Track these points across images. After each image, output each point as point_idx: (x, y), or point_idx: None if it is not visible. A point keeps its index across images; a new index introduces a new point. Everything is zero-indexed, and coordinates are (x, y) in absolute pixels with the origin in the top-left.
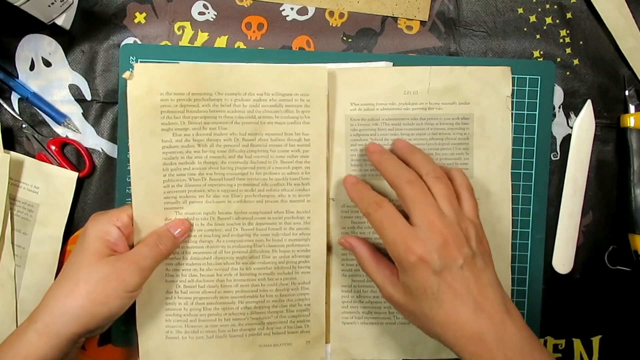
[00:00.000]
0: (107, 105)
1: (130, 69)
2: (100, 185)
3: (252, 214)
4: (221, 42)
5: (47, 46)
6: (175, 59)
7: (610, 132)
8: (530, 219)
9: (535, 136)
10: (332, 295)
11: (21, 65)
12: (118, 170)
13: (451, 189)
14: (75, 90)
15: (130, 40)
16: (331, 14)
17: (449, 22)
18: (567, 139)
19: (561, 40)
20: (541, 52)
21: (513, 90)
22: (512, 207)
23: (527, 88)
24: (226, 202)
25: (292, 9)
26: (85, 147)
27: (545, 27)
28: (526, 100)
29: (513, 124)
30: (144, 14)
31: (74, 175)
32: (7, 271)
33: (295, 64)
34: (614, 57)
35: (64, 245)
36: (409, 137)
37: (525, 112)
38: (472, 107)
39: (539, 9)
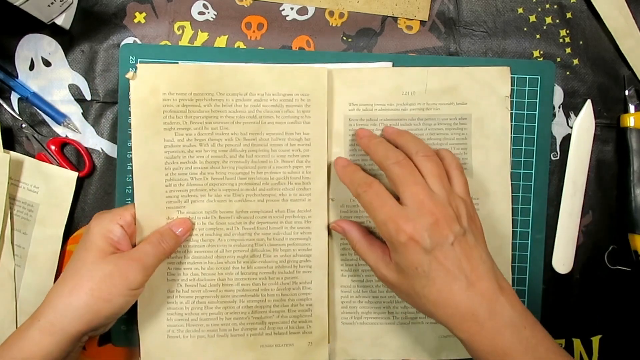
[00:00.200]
0: (107, 105)
1: (133, 70)
2: (100, 185)
3: (253, 213)
4: (221, 42)
5: (47, 46)
6: (175, 58)
7: (610, 132)
8: (530, 219)
9: (535, 136)
10: (331, 296)
11: (21, 65)
12: (118, 170)
13: (441, 167)
14: (75, 90)
15: (130, 40)
16: (331, 13)
17: (449, 22)
18: (567, 138)
19: (561, 40)
20: (541, 52)
21: (513, 90)
22: (512, 207)
23: (527, 88)
24: (227, 201)
25: (292, 8)
26: (85, 147)
27: (545, 27)
28: (526, 100)
29: (513, 124)
30: (144, 14)
31: (74, 175)
32: (7, 271)
33: (295, 65)
34: (614, 57)
35: (64, 245)
36: None
37: (525, 112)
38: (470, 107)
39: (539, 9)
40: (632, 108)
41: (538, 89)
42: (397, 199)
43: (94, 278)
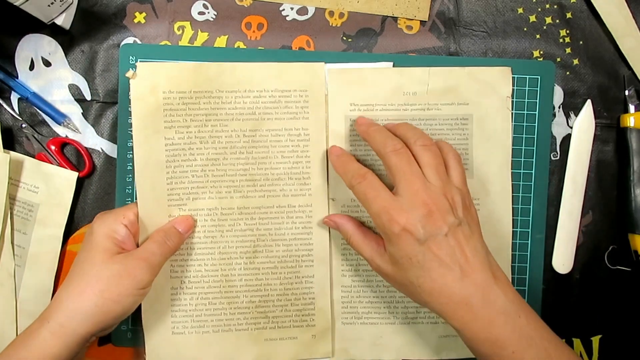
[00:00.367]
0: (107, 105)
1: (133, 68)
2: (100, 185)
3: (255, 209)
4: (221, 42)
5: (47, 46)
6: (175, 58)
7: (610, 132)
8: (530, 218)
9: (535, 136)
10: (332, 296)
11: (21, 65)
12: (118, 170)
13: (439, 157)
14: (75, 90)
15: (130, 40)
16: (331, 13)
17: (449, 22)
18: (567, 138)
19: (561, 40)
20: (541, 52)
21: (513, 90)
22: (512, 207)
23: (527, 88)
24: (228, 197)
25: (292, 8)
26: (85, 147)
27: (545, 27)
28: (526, 100)
29: (513, 124)
30: (144, 14)
31: (74, 175)
32: (7, 271)
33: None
34: (614, 57)
35: (64, 245)
36: None
37: (525, 112)
38: (471, 107)
39: (539, 9)
40: (632, 108)
41: (538, 89)
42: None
43: (102, 279)
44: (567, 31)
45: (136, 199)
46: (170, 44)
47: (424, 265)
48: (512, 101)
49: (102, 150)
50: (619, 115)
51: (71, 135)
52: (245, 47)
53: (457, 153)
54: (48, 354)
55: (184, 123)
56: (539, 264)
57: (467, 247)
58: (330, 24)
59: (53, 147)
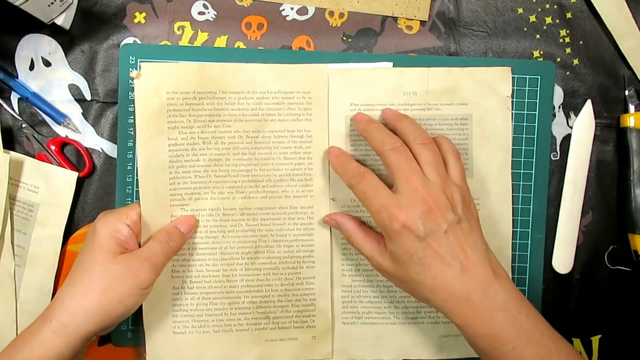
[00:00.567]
0: (107, 105)
1: (134, 68)
2: (100, 185)
3: (257, 210)
4: (221, 42)
5: (47, 46)
6: (175, 58)
7: (610, 132)
8: (530, 219)
9: (535, 136)
10: (332, 295)
11: (21, 65)
12: (118, 170)
13: (438, 155)
14: (75, 90)
15: (130, 40)
16: (331, 13)
17: (449, 22)
18: (567, 139)
19: (561, 40)
20: (541, 52)
21: (513, 90)
22: (512, 207)
23: (527, 88)
24: (231, 198)
25: (292, 8)
26: (85, 147)
27: (545, 27)
28: (526, 100)
29: (513, 124)
30: (144, 14)
31: (74, 175)
32: (7, 271)
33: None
34: (614, 57)
35: (64, 245)
36: None
37: (525, 112)
38: (471, 107)
39: (539, 9)
40: (632, 108)
41: (538, 89)
42: (394, 186)
43: (105, 278)
44: (567, 31)
45: (136, 198)
46: (170, 44)
47: (424, 262)
48: (512, 101)
49: (102, 150)
50: (619, 115)
51: (71, 135)
52: (245, 47)
53: (456, 150)
54: (50, 353)
55: (187, 124)
56: (539, 264)
57: (466, 243)
58: (330, 24)
59: (53, 147)
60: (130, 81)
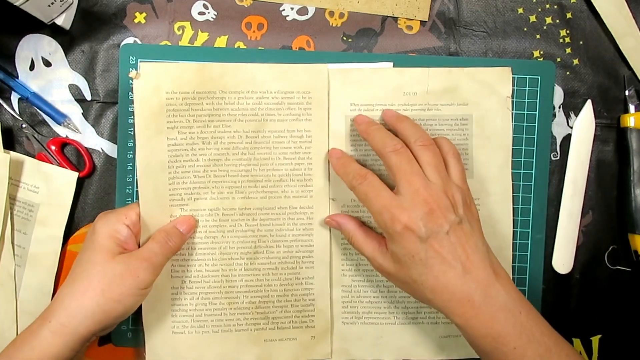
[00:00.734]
0: (107, 105)
1: (135, 68)
2: (100, 185)
3: (256, 210)
4: (221, 42)
5: (47, 46)
6: (175, 58)
7: (610, 132)
8: (530, 219)
9: (535, 136)
10: (332, 295)
11: (21, 65)
12: (118, 170)
13: (438, 156)
14: (75, 90)
15: (130, 40)
16: (331, 13)
17: (449, 22)
18: (567, 139)
19: (561, 40)
20: (541, 52)
21: (513, 90)
22: (513, 207)
23: (527, 88)
24: (230, 198)
25: (292, 8)
26: (85, 147)
27: (545, 27)
28: (526, 100)
29: (513, 124)
30: (144, 14)
31: (74, 175)
32: (7, 271)
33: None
34: (614, 57)
35: (64, 245)
36: None
37: (525, 112)
38: (471, 107)
39: (539, 9)
40: (632, 108)
41: (538, 89)
42: (395, 187)
43: (105, 278)
44: (567, 31)
45: (137, 198)
46: (170, 44)
47: (426, 262)
48: (512, 101)
49: (102, 150)
50: (619, 115)
51: (71, 135)
52: (245, 47)
53: (456, 151)
54: (49, 353)
55: (186, 123)
56: (539, 264)
57: (467, 244)
58: (330, 24)
59: (53, 147)
60: (130, 81)
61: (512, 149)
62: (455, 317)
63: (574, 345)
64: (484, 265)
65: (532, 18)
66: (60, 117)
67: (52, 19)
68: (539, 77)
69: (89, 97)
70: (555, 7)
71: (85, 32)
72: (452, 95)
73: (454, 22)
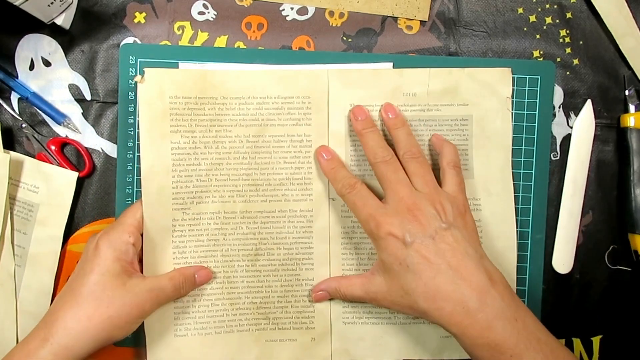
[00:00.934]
0: (107, 105)
1: (138, 72)
2: (101, 185)
3: (257, 213)
4: (221, 42)
5: (47, 46)
6: (175, 58)
7: (610, 132)
8: (530, 219)
9: (535, 136)
10: None
11: (21, 65)
12: (118, 170)
13: (425, 166)
14: (75, 90)
15: (130, 40)
16: (331, 13)
17: (449, 22)
18: (567, 139)
19: (561, 40)
20: (541, 52)
21: (513, 90)
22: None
23: (527, 88)
24: (231, 201)
25: (292, 8)
26: (85, 147)
27: (545, 27)
28: (526, 100)
29: (513, 124)
30: (144, 14)
31: (74, 175)
32: (7, 271)
33: (296, 68)
34: (614, 57)
35: (64, 245)
36: None
37: (525, 112)
38: (471, 108)
39: (539, 9)
40: (632, 108)
41: (538, 89)
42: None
43: (112, 305)
44: (567, 31)
45: (137, 199)
46: (170, 44)
47: (414, 269)
48: (512, 101)
49: (102, 150)
50: (619, 115)
51: (71, 135)
52: (245, 47)
53: (458, 161)
54: None
55: (189, 127)
56: (539, 264)
57: (457, 250)
58: (330, 24)
59: (53, 147)
60: (130, 81)
61: (512, 149)
62: (452, 326)
63: (574, 345)
64: (478, 271)
65: (532, 18)
66: (60, 117)
67: (52, 19)
68: (539, 77)
69: (88, 97)
70: (555, 7)
71: (85, 32)
72: (452, 95)
73: (454, 22)
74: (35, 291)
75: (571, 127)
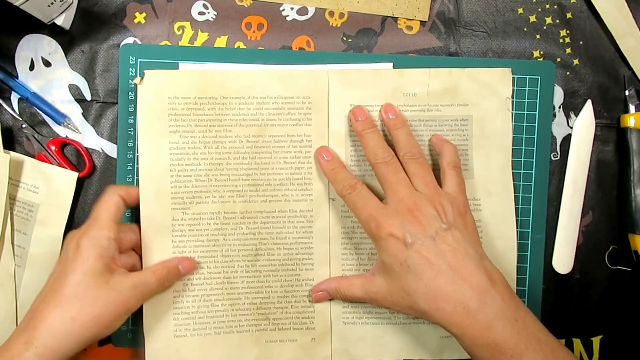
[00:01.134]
0: (107, 105)
1: (138, 70)
2: (100, 185)
3: (257, 213)
4: (221, 42)
5: (47, 46)
6: (175, 59)
7: (610, 132)
8: (530, 219)
9: (535, 136)
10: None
11: (21, 65)
12: (118, 170)
13: (425, 167)
14: (75, 90)
15: (130, 40)
16: (331, 14)
17: (449, 22)
18: (567, 139)
19: (561, 40)
20: (541, 52)
21: (513, 90)
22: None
23: (527, 88)
24: (231, 202)
25: (292, 9)
26: (85, 147)
27: (545, 27)
28: (526, 100)
29: (513, 124)
30: (144, 14)
31: (74, 175)
32: (7, 271)
33: (296, 68)
34: (614, 57)
35: None
36: None
37: (525, 112)
38: (471, 108)
39: (539, 9)
40: (632, 108)
41: (538, 89)
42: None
43: (97, 305)
44: (567, 31)
45: None
46: (170, 44)
47: (415, 269)
48: (512, 101)
49: (102, 150)
50: (619, 115)
51: (71, 136)
52: (245, 47)
53: (458, 162)
54: None
55: (188, 128)
56: (539, 264)
57: (458, 250)
58: (330, 24)
59: (53, 147)
60: (130, 81)
61: (512, 149)
62: (452, 326)
63: (574, 345)
64: (478, 272)
65: (532, 18)
66: (60, 117)
67: (52, 19)
68: (539, 77)
69: (88, 97)
70: (555, 7)
71: (85, 32)
72: (452, 96)
73: (454, 22)
74: (35, 291)
75: (571, 127)
